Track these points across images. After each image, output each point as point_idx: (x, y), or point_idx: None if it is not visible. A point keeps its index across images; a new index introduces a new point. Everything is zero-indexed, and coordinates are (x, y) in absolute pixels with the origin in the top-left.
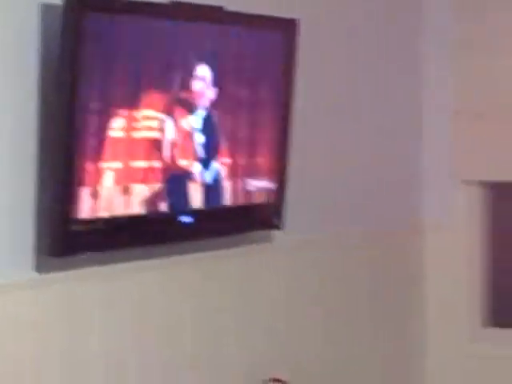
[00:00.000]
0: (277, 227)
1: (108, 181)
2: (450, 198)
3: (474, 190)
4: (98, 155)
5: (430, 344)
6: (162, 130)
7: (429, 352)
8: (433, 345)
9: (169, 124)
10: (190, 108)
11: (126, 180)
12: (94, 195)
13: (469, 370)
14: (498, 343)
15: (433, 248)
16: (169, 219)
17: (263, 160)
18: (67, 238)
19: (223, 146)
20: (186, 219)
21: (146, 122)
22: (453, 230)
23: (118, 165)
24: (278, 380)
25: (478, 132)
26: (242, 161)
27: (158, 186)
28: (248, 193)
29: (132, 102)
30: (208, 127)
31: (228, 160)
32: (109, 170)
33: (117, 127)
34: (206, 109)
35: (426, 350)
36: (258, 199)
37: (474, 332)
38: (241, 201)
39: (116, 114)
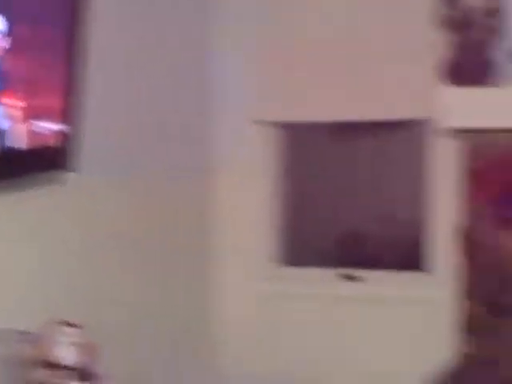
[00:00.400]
0: (70, 169)
1: None
2: (244, 139)
3: (267, 131)
4: None
5: (226, 284)
6: None
7: (224, 291)
8: (228, 284)
9: None
10: None
11: None
12: None
13: (263, 309)
14: (293, 282)
15: (227, 188)
16: None
17: (55, 102)
18: None
19: (12, 88)
20: None
21: None
22: (247, 170)
23: None
24: (70, 324)
25: (270, 73)
26: (32, 103)
27: None
28: (40, 135)
29: None
30: None
31: (18, 102)
32: None
33: None
34: None
35: (222, 289)
36: (50, 141)
37: (269, 271)
38: (32, 143)
39: None
